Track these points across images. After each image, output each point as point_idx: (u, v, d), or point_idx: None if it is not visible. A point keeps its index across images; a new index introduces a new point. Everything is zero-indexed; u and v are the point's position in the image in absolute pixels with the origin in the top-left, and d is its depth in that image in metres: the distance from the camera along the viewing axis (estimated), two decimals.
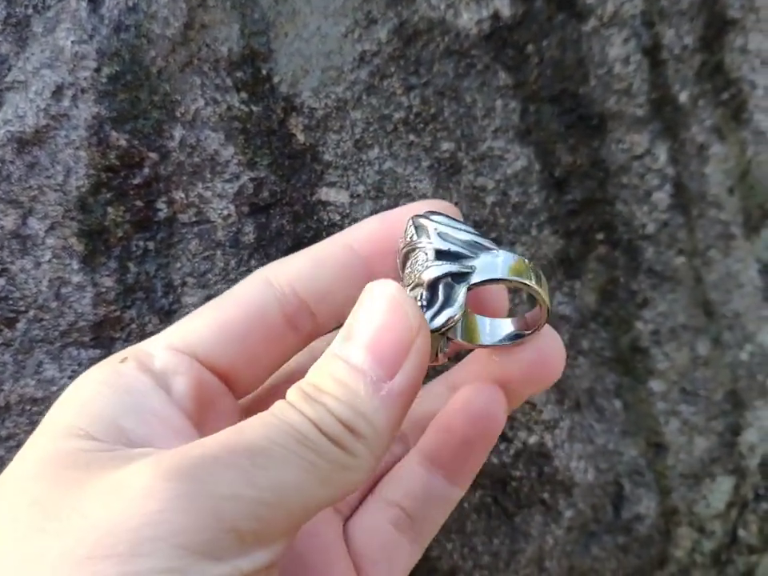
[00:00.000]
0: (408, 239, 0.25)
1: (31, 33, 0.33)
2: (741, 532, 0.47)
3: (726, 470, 0.45)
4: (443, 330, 0.24)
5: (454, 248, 0.24)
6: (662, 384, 0.43)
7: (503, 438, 0.40)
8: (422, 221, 0.25)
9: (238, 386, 0.27)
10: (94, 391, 0.23)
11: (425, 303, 0.24)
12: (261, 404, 0.28)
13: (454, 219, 0.25)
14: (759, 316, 0.45)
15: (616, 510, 0.43)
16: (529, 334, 0.26)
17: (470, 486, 0.40)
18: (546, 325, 0.26)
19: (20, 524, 0.19)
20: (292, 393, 0.22)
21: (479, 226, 0.38)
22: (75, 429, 0.22)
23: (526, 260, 0.25)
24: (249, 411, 0.28)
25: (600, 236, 0.42)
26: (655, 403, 0.43)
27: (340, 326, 0.25)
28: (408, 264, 0.25)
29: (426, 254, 0.24)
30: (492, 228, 0.39)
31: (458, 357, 0.32)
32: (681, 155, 0.43)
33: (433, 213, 0.25)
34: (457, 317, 0.24)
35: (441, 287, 0.24)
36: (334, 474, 0.21)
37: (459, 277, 0.24)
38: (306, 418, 0.21)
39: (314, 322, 0.27)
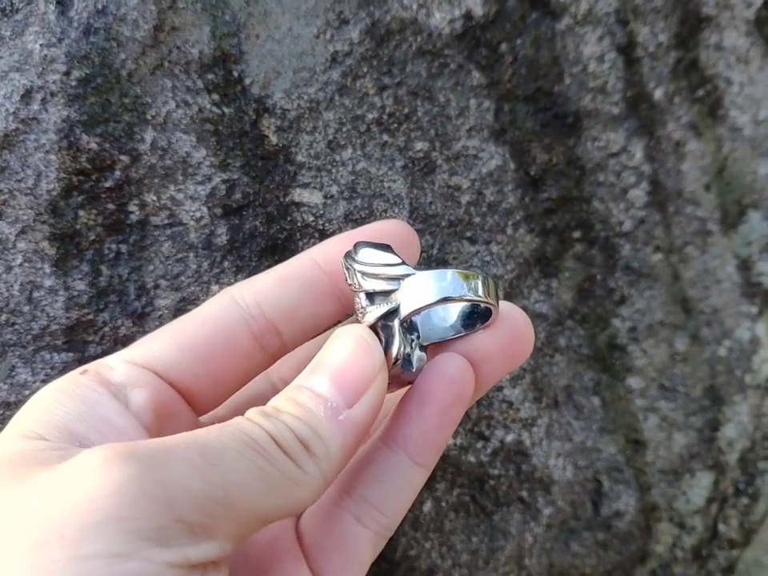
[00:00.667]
0: (345, 280, 0.26)
1: None
2: (721, 527, 0.48)
3: (705, 466, 0.45)
4: (398, 362, 0.25)
5: (379, 287, 0.25)
6: (640, 381, 0.44)
7: (480, 436, 0.40)
8: (349, 262, 0.26)
9: (199, 402, 0.27)
10: (52, 399, 0.24)
11: None
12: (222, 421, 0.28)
13: (380, 249, 0.26)
14: (737, 312, 0.45)
15: (595, 506, 0.43)
16: (481, 328, 0.26)
17: (448, 485, 0.40)
18: (511, 304, 0.27)
19: None
20: (251, 411, 0.23)
21: (454, 226, 0.38)
22: (29, 432, 0.23)
23: (450, 271, 0.26)
24: None
25: (576, 234, 0.42)
26: (633, 400, 0.44)
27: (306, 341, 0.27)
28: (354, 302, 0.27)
29: (359, 298, 0.26)
30: (467, 227, 0.39)
31: None
32: (657, 152, 0.43)
33: (361, 246, 0.26)
34: (401, 352, 0.25)
35: (379, 329, 0.25)
36: (283, 486, 0.21)
37: (390, 315, 0.25)
38: (263, 429, 0.22)
39: (280, 341, 0.28)
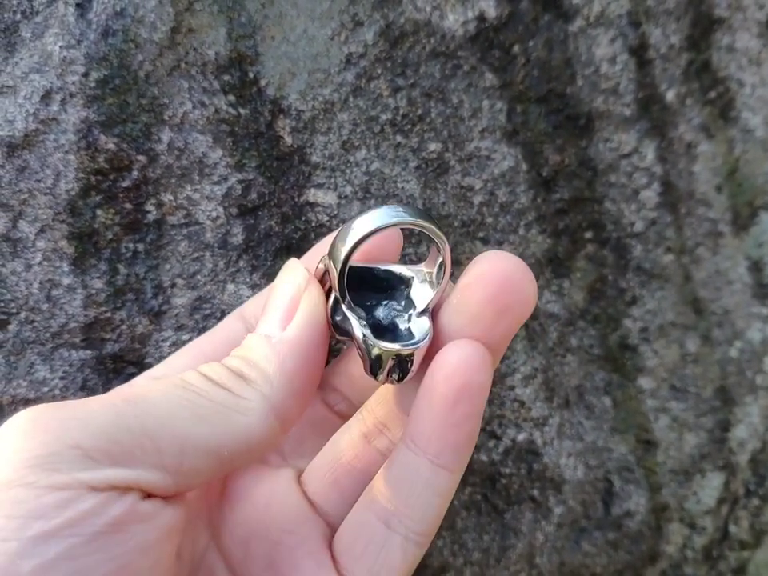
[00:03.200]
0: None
1: (20, 38, 0.33)
2: (732, 527, 0.48)
3: (716, 466, 0.46)
4: (364, 350, 0.25)
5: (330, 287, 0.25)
6: (651, 381, 0.44)
7: (492, 435, 0.40)
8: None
9: None
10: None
11: (396, 374, 0.25)
12: None
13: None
14: (748, 313, 0.45)
15: (606, 506, 0.43)
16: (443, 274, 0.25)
17: (460, 483, 0.40)
18: (493, 251, 0.25)
19: None
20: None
21: (467, 226, 0.39)
22: None
23: (392, 207, 0.24)
24: None
25: (588, 235, 0.42)
26: (644, 400, 0.44)
27: None
28: None
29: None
30: (480, 227, 0.39)
31: None
32: (669, 154, 0.43)
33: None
34: (360, 334, 0.24)
35: (339, 325, 0.26)
36: (219, 414, 0.22)
37: (336, 304, 0.25)
38: (199, 373, 0.23)
39: None
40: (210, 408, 0.22)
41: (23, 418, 0.20)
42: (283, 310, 0.24)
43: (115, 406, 0.21)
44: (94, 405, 0.21)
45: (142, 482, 0.20)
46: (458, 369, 0.23)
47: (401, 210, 0.23)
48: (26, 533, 0.18)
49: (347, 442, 0.28)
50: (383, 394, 0.29)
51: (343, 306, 0.25)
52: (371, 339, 0.24)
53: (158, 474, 0.21)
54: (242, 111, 0.35)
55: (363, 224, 0.23)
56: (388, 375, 0.25)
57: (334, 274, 0.24)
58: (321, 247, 0.30)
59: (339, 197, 0.37)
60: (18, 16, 0.33)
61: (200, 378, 0.23)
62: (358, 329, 0.24)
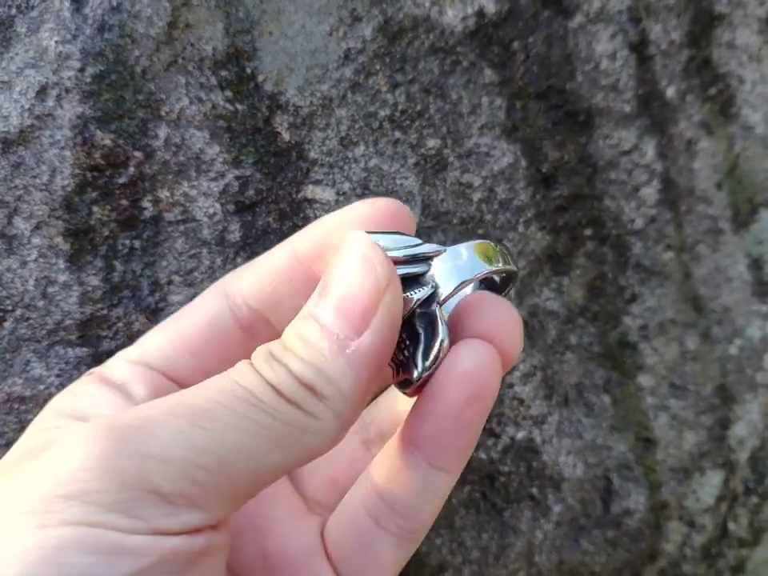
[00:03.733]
0: None
1: (15, 33, 0.33)
2: (731, 525, 0.48)
3: (715, 464, 0.45)
4: (439, 359, 0.23)
5: (407, 271, 0.23)
6: (650, 379, 0.44)
7: (491, 433, 0.40)
8: None
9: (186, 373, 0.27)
10: (61, 400, 0.26)
11: (406, 344, 0.23)
12: None
13: (392, 233, 0.24)
14: (748, 310, 0.45)
15: (605, 504, 0.43)
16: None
17: (458, 482, 0.40)
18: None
19: None
20: (257, 353, 0.22)
21: (466, 223, 0.39)
22: (44, 426, 0.24)
23: (474, 242, 0.24)
24: None
25: (588, 232, 0.42)
26: (644, 398, 0.44)
27: None
28: None
29: None
30: (479, 225, 0.39)
31: None
32: (669, 150, 0.43)
33: (371, 233, 0.24)
34: (446, 343, 0.23)
35: (416, 320, 0.23)
36: (291, 437, 0.20)
37: (428, 301, 0.23)
38: (263, 380, 0.21)
39: (271, 329, 0.27)
40: (281, 432, 0.20)
41: (94, 447, 0.19)
42: (359, 311, 0.21)
43: (185, 434, 0.19)
44: (162, 435, 0.19)
45: (217, 519, 0.20)
46: (469, 374, 0.23)
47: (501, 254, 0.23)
48: (116, 571, 0.18)
49: (347, 446, 0.28)
50: (385, 403, 0.29)
51: (436, 309, 0.23)
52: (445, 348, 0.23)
53: (231, 507, 0.20)
54: (239, 107, 0.35)
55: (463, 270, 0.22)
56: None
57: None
58: (315, 228, 0.28)
59: (337, 193, 0.36)
60: (14, 10, 0.33)
61: (268, 390, 0.20)
62: (444, 333, 0.23)
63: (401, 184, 0.37)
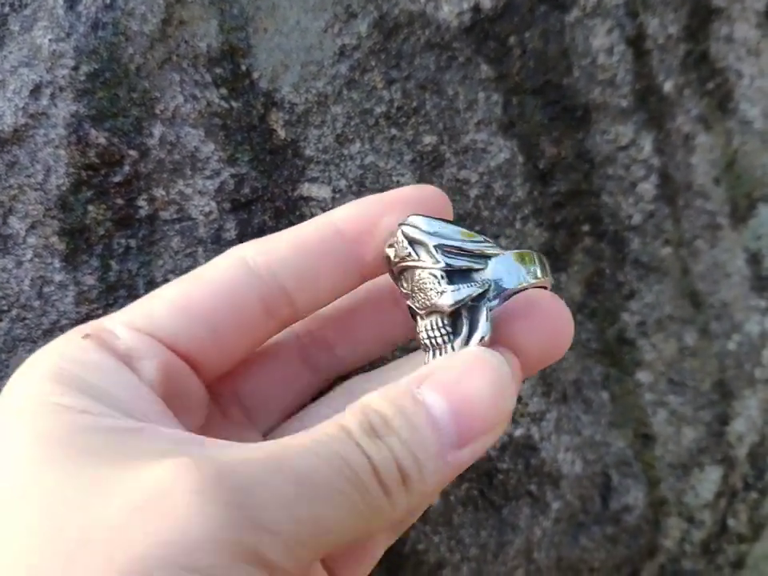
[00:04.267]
0: (404, 254, 0.24)
1: (8, 31, 0.33)
2: (730, 521, 0.48)
3: (714, 460, 0.45)
4: None
5: (461, 263, 0.23)
6: (649, 375, 0.44)
7: None
8: (416, 234, 0.23)
9: (205, 369, 0.25)
10: (65, 365, 0.22)
11: (449, 331, 0.23)
12: (230, 382, 0.27)
13: (444, 222, 0.24)
14: (747, 306, 0.45)
15: (604, 501, 0.43)
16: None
17: (457, 479, 0.40)
18: (549, 292, 0.26)
19: (28, 521, 0.18)
20: (354, 417, 0.20)
21: (462, 220, 0.38)
22: (64, 402, 0.20)
23: (527, 252, 0.24)
24: (217, 392, 0.27)
25: (585, 228, 0.42)
26: (642, 394, 0.43)
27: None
28: (409, 282, 0.24)
29: (436, 276, 0.23)
30: (476, 221, 0.39)
31: None
32: (666, 145, 0.43)
33: (422, 219, 0.24)
34: (486, 338, 0.23)
35: (464, 312, 0.23)
36: (367, 518, 0.20)
37: (478, 298, 0.23)
38: (366, 459, 0.20)
39: (291, 309, 0.26)
40: (364, 513, 0.19)
41: (210, 513, 0.17)
42: (474, 430, 0.21)
43: (291, 505, 0.18)
44: (271, 503, 0.18)
45: None
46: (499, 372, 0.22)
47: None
48: None
49: (281, 360, 0.29)
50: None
51: (484, 307, 0.23)
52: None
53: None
54: (234, 104, 0.35)
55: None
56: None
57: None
58: (360, 206, 0.26)
59: (333, 191, 0.36)
60: (7, 9, 0.33)
61: (369, 471, 0.19)
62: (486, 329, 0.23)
63: (397, 181, 0.37)
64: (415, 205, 0.25)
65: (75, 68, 0.33)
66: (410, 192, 0.26)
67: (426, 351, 0.24)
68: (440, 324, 0.23)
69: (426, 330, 0.24)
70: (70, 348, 0.22)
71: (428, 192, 0.26)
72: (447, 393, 0.21)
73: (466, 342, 0.23)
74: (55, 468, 0.19)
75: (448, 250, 0.23)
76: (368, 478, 0.19)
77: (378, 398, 0.21)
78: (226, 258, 0.25)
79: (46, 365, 0.22)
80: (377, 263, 0.26)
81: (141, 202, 0.34)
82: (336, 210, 0.26)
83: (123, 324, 0.23)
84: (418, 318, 0.24)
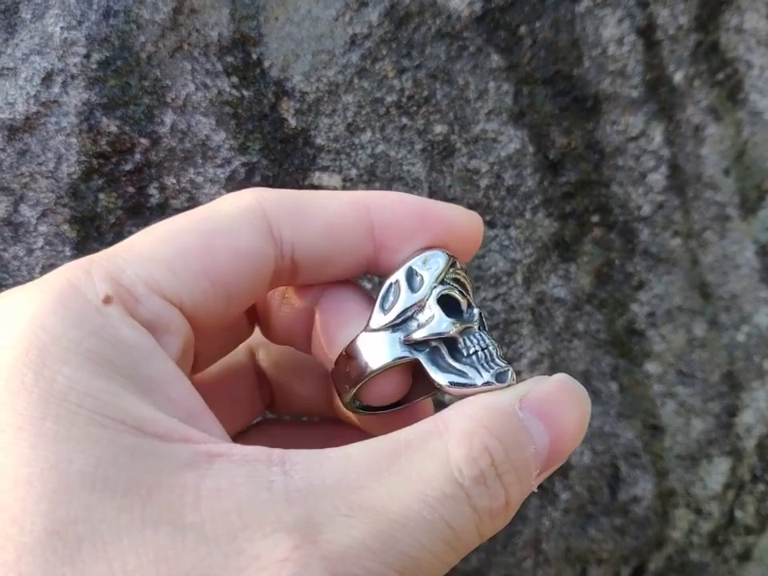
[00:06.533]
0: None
1: (20, 19, 0.33)
2: (738, 513, 0.48)
3: (722, 452, 0.45)
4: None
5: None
6: (658, 366, 0.43)
7: None
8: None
9: (203, 333, 0.23)
10: (97, 352, 0.19)
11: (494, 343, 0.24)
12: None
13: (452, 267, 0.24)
14: (756, 297, 0.45)
15: (613, 492, 0.43)
16: None
17: None
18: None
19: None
20: (463, 453, 0.20)
21: (473, 209, 0.38)
22: (122, 417, 0.18)
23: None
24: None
25: (595, 218, 0.42)
26: (651, 385, 0.43)
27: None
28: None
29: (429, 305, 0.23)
30: (486, 211, 0.39)
31: None
32: (676, 136, 0.43)
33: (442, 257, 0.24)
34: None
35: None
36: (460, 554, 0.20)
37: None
38: (470, 520, 0.20)
39: (292, 279, 0.25)
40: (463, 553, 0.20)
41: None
42: (556, 458, 0.21)
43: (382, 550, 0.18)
44: (350, 532, 0.18)
45: None
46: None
47: None
48: None
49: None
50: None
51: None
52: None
53: None
54: (245, 93, 0.35)
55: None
56: None
57: None
58: (395, 199, 0.25)
59: (344, 180, 0.36)
60: None
61: (474, 532, 0.20)
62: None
63: (407, 170, 0.37)
64: (455, 232, 0.25)
65: (87, 56, 0.33)
66: (456, 217, 0.25)
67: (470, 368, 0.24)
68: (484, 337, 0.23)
69: (471, 346, 0.23)
70: (94, 319, 0.19)
71: (473, 223, 0.26)
72: (548, 421, 0.21)
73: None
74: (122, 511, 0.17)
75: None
76: (466, 539, 0.20)
77: (485, 426, 0.20)
78: (249, 219, 0.23)
79: (75, 338, 0.19)
80: (387, 267, 0.25)
81: (152, 191, 0.34)
82: (375, 195, 0.25)
83: (148, 286, 0.20)
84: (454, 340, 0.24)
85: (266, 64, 0.35)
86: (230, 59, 0.35)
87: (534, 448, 0.21)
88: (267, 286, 0.24)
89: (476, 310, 0.23)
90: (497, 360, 0.23)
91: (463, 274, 0.24)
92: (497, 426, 0.20)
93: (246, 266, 0.22)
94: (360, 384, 0.23)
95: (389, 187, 0.37)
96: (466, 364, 0.23)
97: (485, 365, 0.23)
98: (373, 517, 0.18)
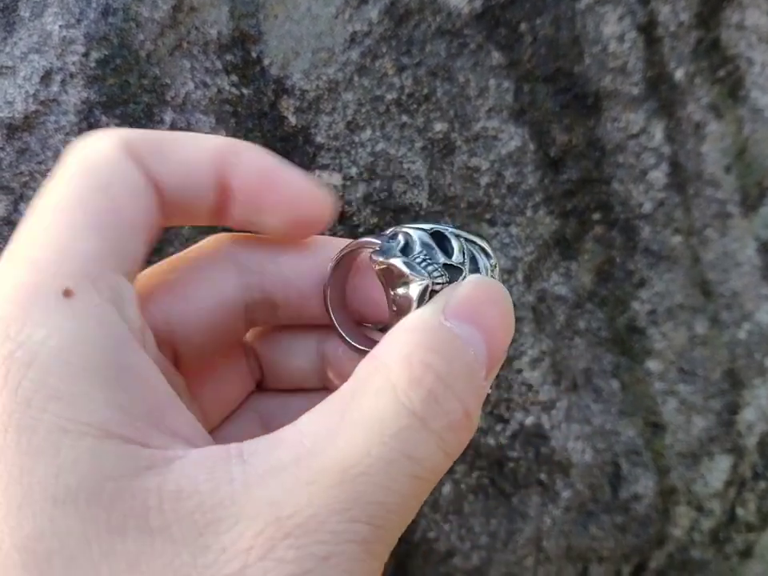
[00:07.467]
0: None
1: (18, 17, 0.32)
2: (739, 510, 0.48)
3: (723, 449, 0.45)
4: None
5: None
6: (659, 364, 0.43)
7: (500, 419, 0.40)
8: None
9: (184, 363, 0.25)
10: (49, 350, 0.18)
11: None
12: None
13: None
14: (757, 294, 0.45)
15: (614, 489, 0.43)
16: None
17: (467, 468, 0.40)
18: None
19: None
20: (406, 381, 0.19)
21: (473, 207, 0.38)
22: (91, 423, 0.18)
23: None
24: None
25: (596, 216, 0.41)
26: (653, 383, 0.43)
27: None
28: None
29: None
30: (487, 209, 0.39)
31: None
32: (677, 134, 0.43)
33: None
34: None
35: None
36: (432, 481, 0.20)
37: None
38: (435, 436, 0.19)
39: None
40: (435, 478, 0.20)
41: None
42: (494, 363, 0.21)
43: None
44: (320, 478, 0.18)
45: None
46: None
47: None
48: None
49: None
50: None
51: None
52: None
53: None
54: (244, 91, 0.35)
55: None
56: None
57: None
58: None
59: (344, 178, 0.36)
60: None
61: (443, 458, 0.20)
62: None
63: (408, 168, 0.37)
64: (298, 203, 0.25)
65: (86, 54, 0.33)
66: (303, 189, 0.25)
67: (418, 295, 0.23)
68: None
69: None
70: (58, 315, 0.18)
71: (318, 200, 0.26)
72: (475, 321, 0.21)
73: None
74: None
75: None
76: (439, 461, 0.20)
77: (418, 344, 0.20)
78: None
79: (39, 338, 0.18)
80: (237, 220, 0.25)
81: None
82: (235, 146, 0.24)
83: (134, 297, 0.21)
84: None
85: (266, 62, 0.35)
86: (229, 57, 0.34)
87: (473, 350, 0.20)
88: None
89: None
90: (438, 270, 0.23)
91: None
92: (429, 341, 0.20)
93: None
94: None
95: (389, 185, 0.36)
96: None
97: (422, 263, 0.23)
98: (335, 476, 0.18)
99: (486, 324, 0.21)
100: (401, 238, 0.23)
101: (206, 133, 0.34)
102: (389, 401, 0.19)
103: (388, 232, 0.24)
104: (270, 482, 0.18)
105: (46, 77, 0.32)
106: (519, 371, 0.40)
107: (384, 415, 0.19)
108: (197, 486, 0.18)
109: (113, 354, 0.19)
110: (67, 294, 0.19)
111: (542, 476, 0.41)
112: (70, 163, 0.21)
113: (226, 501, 0.18)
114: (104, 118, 0.33)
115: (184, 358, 0.25)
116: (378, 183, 0.36)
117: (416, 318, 0.21)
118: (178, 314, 0.24)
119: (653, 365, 0.43)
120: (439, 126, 0.37)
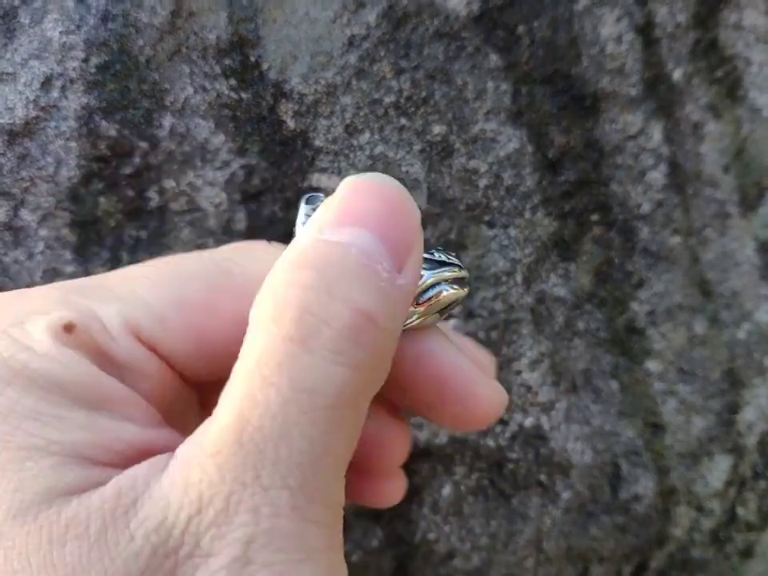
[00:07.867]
0: None
1: (18, 24, 0.33)
2: (739, 510, 0.48)
3: (724, 449, 0.45)
4: None
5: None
6: (658, 364, 0.43)
7: (499, 420, 0.40)
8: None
9: (192, 379, 0.23)
10: (30, 373, 0.18)
11: None
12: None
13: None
14: (756, 294, 0.45)
15: (614, 490, 0.43)
16: None
17: (467, 469, 0.40)
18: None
19: None
20: (269, 304, 0.18)
21: (472, 209, 0.38)
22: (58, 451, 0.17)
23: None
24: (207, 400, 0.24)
25: (595, 217, 0.42)
26: (652, 383, 0.43)
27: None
28: None
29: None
30: (485, 211, 0.39)
31: None
32: (675, 134, 0.43)
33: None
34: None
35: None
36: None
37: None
38: (349, 370, 0.17)
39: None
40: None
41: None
42: (400, 250, 0.19)
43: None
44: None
45: None
46: None
47: None
48: None
49: None
50: None
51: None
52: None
53: None
54: (243, 95, 0.35)
55: None
56: None
57: None
58: None
59: None
60: (17, 1, 0.33)
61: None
62: None
63: (406, 171, 0.37)
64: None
65: (85, 60, 0.33)
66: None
67: None
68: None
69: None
70: (48, 346, 0.18)
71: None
72: (356, 219, 0.19)
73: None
74: None
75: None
76: (347, 378, 0.18)
77: (283, 269, 0.18)
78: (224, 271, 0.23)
79: (23, 360, 0.18)
80: None
81: (151, 194, 0.34)
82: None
83: (125, 326, 0.20)
84: None
85: (264, 66, 0.35)
86: (228, 62, 0.35)
87: (355, 249, 0.18)
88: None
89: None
90: None
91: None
92: (297, 261, 0.18)
93: (232, 321, 0.21)
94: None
95: None
96: None
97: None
98: (232, 442, 0.17)
99: (369, 218, 0.19)
100: None
101: (204, 136, 0.34)
102: (261, 339, 0.17)
103: None
104: (189, 465, 0.17)
105: (47, 83, 0.33)
106: (518, 373, 0.40)
107: (260, 356, 0.17)
108: (135, 492, 0.17)
109: (92, 383, 0.18)
110: (68, 329, 0.19)
111: (542, 477, 0.41)
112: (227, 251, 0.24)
113: (151, 497, 0.17)
114: (104, 123, 0.33)
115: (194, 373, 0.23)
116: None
117: (288, 247, 0.19)
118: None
119: (652, 365, 0.43)
120: (437, 129, 0.37)
